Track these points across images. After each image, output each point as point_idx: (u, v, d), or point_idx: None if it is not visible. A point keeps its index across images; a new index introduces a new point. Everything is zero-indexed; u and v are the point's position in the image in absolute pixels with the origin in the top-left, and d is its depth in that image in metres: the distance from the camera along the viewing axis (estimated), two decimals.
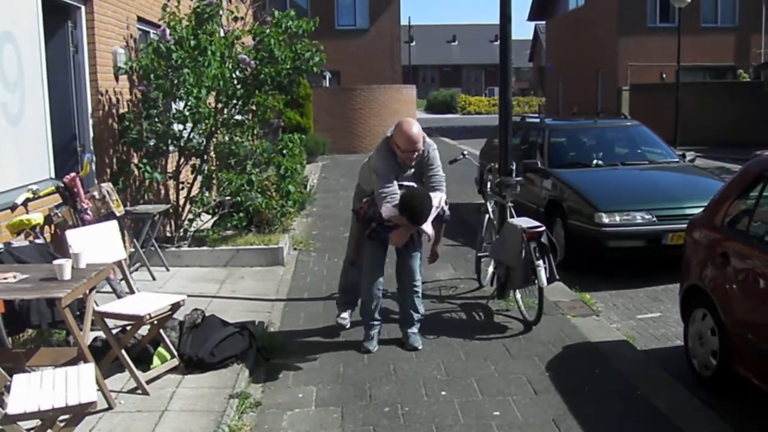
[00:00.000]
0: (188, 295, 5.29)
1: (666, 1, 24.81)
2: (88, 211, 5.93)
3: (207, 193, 8.39)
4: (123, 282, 5.32)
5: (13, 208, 5.42)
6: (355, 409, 4.42)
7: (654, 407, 4.35)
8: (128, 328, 4.72)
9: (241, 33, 8.31)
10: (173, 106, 8.11)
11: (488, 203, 7.01)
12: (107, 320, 4.59)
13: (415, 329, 5.53)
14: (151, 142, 7.86)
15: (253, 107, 8.58)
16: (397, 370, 5.01)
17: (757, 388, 4.32)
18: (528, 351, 5.33)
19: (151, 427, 4.06)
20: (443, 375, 4.91)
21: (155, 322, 4.64)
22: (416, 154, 5.21)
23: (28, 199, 5.55)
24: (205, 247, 8.05)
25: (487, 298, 6.57)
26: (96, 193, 6.24)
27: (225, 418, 4.15)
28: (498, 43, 6.73)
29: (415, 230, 5.24)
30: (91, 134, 7.04)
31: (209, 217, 8.74)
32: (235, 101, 8.30)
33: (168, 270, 7.60)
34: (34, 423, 3.47)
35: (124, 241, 5.84)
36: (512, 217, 6.37)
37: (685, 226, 5.56)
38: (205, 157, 8.38)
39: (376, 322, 5.46)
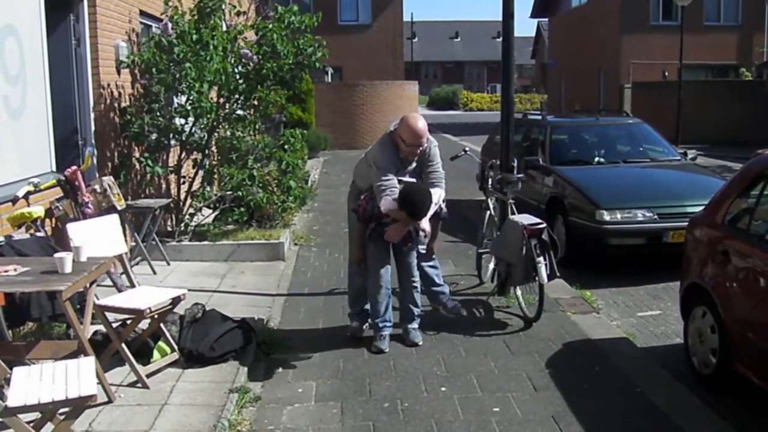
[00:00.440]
0: (189, 290, 5.29)
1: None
2: (89, 205, 5.94)
3: (208, 188, 8.39)
4: (124, 276, 5.33)
5: (15, 201, 5.42)
6: (354, 404, 4.42)
7: (653, 405, 4.36)
8: (129, 321, 4.72)
9: (243, 28, 8.30)
10: (175, 100, 8.10)
11: (489, 200, 7.01)
12: (108, 314, 4.59)
13: (415, 325, 5.53)
14: (153, 137, 7.86)
15: (255, 102, 8.58)
16: (397, 366, 5.01)
17: (757, 387, 4.32)
18: (528, 348, 5.34)
19: (151, 421, 4.06)
20: (443, 371, 4.91)
21: (156, 316, 4.65)
22: (420, 149, 5.21)
23: (29, 192, 5.55)
24: (205, 242, 8.06)
25: (487, 294, 6.57)
26: (97, 187, 6.26)
27: (225, 413, 4.16)
28: (500, 39, 6.72)
29: (413, 226, 5.23)
30: (93, 128, 7.03)
31: (210, 211, 8.75)
32: (237, 96, 8.31)
33: (169, 264, 7.61)
34: (34, 416, 3.48)
35: (125, 235, 5.84)
36: (513, 213, 6.37)
37: (686, 224, 5.57)
38: (207, 151, 8.39)
39: (388, 323, 5.43)
